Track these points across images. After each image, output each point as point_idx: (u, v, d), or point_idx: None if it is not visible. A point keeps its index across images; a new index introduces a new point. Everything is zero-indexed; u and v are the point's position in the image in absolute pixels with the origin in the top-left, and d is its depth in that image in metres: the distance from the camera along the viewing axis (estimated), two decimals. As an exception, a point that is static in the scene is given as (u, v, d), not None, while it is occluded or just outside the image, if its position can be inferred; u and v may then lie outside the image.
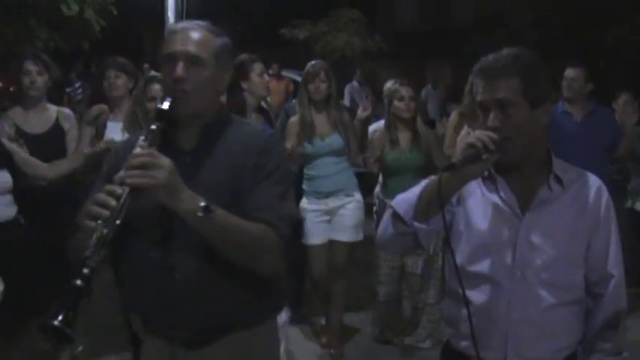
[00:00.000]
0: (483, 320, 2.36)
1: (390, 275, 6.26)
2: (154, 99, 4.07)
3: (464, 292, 2.32)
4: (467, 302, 2.33)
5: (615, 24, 16.53)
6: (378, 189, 6.45)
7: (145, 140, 2.19)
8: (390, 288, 6.33)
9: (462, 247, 2.43)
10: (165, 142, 2.28)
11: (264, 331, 2.49)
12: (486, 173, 2.43)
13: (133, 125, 4.18)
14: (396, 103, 6.06)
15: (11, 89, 9.34)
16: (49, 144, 4.19)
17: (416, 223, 2.34)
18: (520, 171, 2.41)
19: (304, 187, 6.00)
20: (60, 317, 1.91)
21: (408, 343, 6.39)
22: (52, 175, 3.91)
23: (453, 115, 6.50)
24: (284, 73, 16.23)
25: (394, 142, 6.00)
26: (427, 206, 2.28)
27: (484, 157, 2.23)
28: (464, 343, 2.46)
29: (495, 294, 2.36)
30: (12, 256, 3.49)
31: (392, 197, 2.63)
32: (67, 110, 4.66)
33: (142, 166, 2.09)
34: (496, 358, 2.38)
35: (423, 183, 2.43)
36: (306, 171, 6.00)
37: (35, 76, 4.38)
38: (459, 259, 2.39)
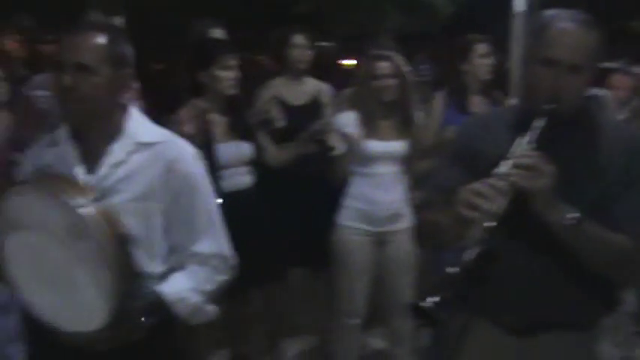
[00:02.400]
0: None
1: None
2: (379, 77, 3.92)
3: None
4: None
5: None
6: None
7: (529, 142, 2.11)
8: None
9: None
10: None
11: (590, 337, 2.39)
12: None
13: (356, 106, 4.04)
14: None
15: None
16: (307, 117, 4.22)
17: None
18: None
19: None
20: (433, 299, 1.91)
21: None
22: (275, 162, 3.93)
23: None
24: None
25: None
26: None
27: None
28: None
29: None
30: (243, 222, 3.64)
31: None
32: (326, 86, 4.70)
33: (529, 169, 2.05)
34: None
35: None
36: None
37: (304, 49, 4.49)
38: None
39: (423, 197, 2.50)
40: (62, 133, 2.30)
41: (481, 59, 4.41)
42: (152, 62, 13.58)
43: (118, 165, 2.22)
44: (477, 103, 4.38)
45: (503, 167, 2.06)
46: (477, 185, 2.05)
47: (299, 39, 4.48)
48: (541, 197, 2.07)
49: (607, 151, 2.24)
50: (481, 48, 4.44)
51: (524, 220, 2.16)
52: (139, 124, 2.31)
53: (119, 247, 2.06)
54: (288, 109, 4.36)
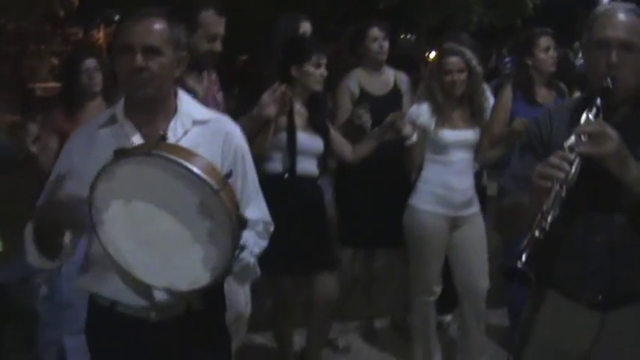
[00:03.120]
0: None
1: None
2: (449, 72, 4.02)
3: None
4: None
5: None
6: None
7: (591, 112, 2.24)
8: None
9: None
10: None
11: None
12: None
13: (429, 98, 4.19)
14: None
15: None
16: (388, 106, 4.27)
17: None
18: None
19: None
20: (523, 259, 2.04)
21: None
22: (352, 159, 4.10)
23: None
24: None
25: None
26: None
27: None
28: None
29: None
30: (309, 207, 3.86)
31: None
32: (403, 75, 4.81)
33: (593, 136, 2.16)
34: None
35: None
36: None
37: (382, 41, 4.59)
38: None
39: (500, 186, 2.62)
40: (119, 111, 2.37)
41: (544, 53, 4.50)
42: (237, 54, 14.00)
43: (178, 141, 2.30)
44: (543, 95, 4.50)
45: (571, 139, 2.17)
46: (549, 158, 2.16)
47: (375, 31, 4.63)
48: (612, 159, 2.17)
49: None
50: (543, 41, 4.51)
51: (602, 190, 2.26)
52: (189, 104, 2.43)
53: (236, 230, 2.15)
54: (371, 100, 4.49)
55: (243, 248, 2.21)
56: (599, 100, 2.26)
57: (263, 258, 2.43)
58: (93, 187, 2.15)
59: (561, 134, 2.30)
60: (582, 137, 2.16)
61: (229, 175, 2.21)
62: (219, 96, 3.82)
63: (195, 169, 2.10)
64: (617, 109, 2.33)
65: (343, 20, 14.96)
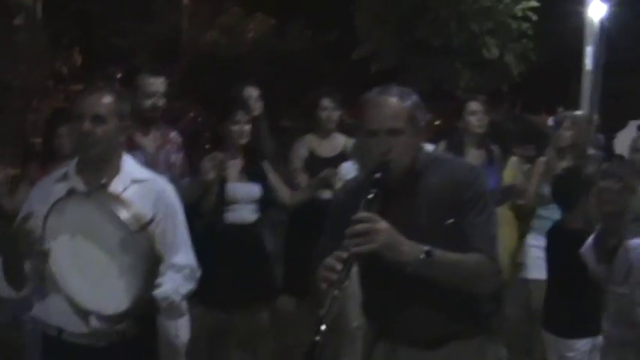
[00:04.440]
0: None
1: None
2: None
3: None
4: None
5: None
6: None
7: (364, 207, 2.36)
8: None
9: None
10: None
11: (475, 345, 2.62)
12: None
13: (358, 156, 4.37)
14: None
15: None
16: (336, 166, 4.53)
17: None
18: None
19: (534, 224, 5.20)
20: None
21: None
22: (289, 203, 4.37)
23: None
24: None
25: None
26: None
27: None
28: None
29: None
30: (244, 253, 4.08)
31: None
32: (351, 140, 4.97)
33: (363, 234, 2.27)
34: None
35: None
36: (541, 211, 5.14)
37: (331, 111, 4.93)
38: None
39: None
40: (71, 169, 2.79)
41: (472, 116, 4.75)
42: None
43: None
44: (473, 156, 4.71)
45: (346, 240, 2.28)
46: (326, 260, 2.29)
47: (326, 102, 4.98)
48: (386, 250, 2.31)
49: (447, 186, 2.52)
50: (471, 106, 4.78)
51: (387, 269, 2.40)
52: (131, 165, 2.83)
53: (152, 266, 2.61)
54: (319, 161, 4.86)
55: (159, 285, 2.64)
56: (371, 195, 2.39)
57: (201, 293, 2.91)
58: (45, 220, 2.60)
59: (355, 213, 2.37)
60: (352, 237, 2.27)
61: (150, 222, 2.63)
62: (176, 157, 4.29)
63: (121, 214, 2.58)
64: (397, 185, 2.49)
65: (341, 86, 15.46)
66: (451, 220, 2.46)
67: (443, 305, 2.49)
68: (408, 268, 2.34)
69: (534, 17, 14.21)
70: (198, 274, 2.86)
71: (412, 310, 2.53)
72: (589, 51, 14.41)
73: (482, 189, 2.54)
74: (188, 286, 2.79)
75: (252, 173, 4.23)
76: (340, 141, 5.15)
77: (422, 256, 2.32)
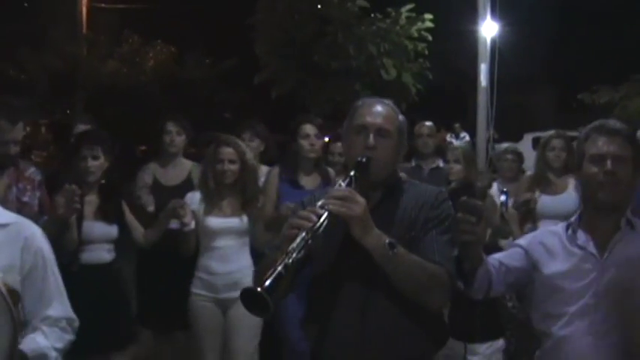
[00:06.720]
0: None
1: None
2: (221, 161, 4.28)
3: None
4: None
5: None
6: None
7: (344, 181, 2.44)
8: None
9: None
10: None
11: None
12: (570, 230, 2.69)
13: (201, 185, 4.42)
14: None
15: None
16: (181, 196, 4.43)
17: None
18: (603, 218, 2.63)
19: None
20: (265, 285, 2.12)
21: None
22: (143, 242, 4.30)
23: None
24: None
25: None
26: None
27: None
28: None
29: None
30: (100, 294, 3.99)
31: None
32: (198, 166, 4.90)
33: (342, 198, 2.34)
34: None
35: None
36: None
37: (175, 136, 4.91)
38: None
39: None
40: None
41: (304, 139, 4.68)
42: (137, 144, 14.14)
43: None
44: (306, 179, 4.70)
45: (323, 200, 2.37)
46: (300, 212, 2.39)
47: (170, 125, 4.95)
48: (356, 223, 2.37)
49: (415, 205, 2.61)
50: (303, 129, 4.70)
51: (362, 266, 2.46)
52: None
53: (13, 318, 2.28)
54: (163, 190, 4.82)
55: (32, 340, 2.43)
56: (352, 172, 2.49)
57: None
58: None
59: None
60: (332, 198, 2.36)
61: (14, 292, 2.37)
62: (31, 195, 4.09)
63: None
64: (372, 196, 2.55)
65: (243, 111, 15.45)
66: (413, 233, 2.55)
67: (406, 322, 2.53)
68: (373, 253, 2.39)
69: (429, 37, 14.50)
70: (76, 324, 2.65)
71: (376, 329, 2.52)
72: (483, 68, 14.90)
73: (447, 212, 2.61)
74: (65, 339, 2.58)
75: (108, 212, 4.14)
76: (186, 166, 5.08)
77: (387, 240, 2.38)
